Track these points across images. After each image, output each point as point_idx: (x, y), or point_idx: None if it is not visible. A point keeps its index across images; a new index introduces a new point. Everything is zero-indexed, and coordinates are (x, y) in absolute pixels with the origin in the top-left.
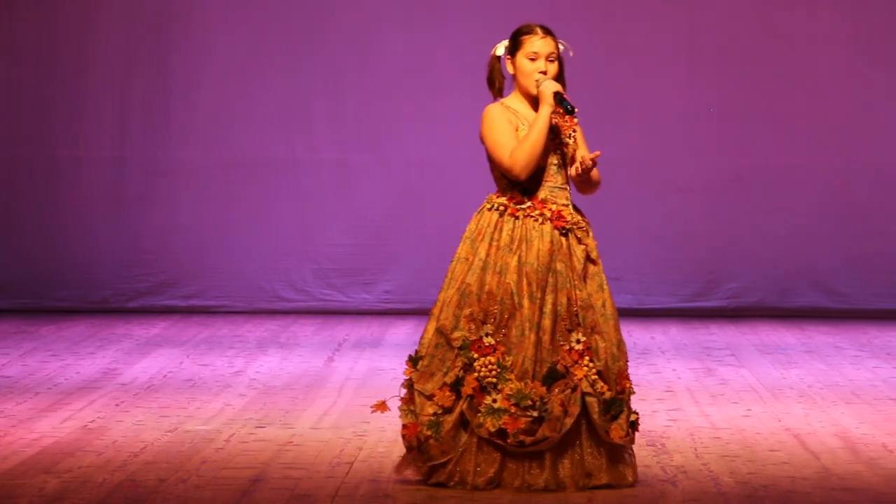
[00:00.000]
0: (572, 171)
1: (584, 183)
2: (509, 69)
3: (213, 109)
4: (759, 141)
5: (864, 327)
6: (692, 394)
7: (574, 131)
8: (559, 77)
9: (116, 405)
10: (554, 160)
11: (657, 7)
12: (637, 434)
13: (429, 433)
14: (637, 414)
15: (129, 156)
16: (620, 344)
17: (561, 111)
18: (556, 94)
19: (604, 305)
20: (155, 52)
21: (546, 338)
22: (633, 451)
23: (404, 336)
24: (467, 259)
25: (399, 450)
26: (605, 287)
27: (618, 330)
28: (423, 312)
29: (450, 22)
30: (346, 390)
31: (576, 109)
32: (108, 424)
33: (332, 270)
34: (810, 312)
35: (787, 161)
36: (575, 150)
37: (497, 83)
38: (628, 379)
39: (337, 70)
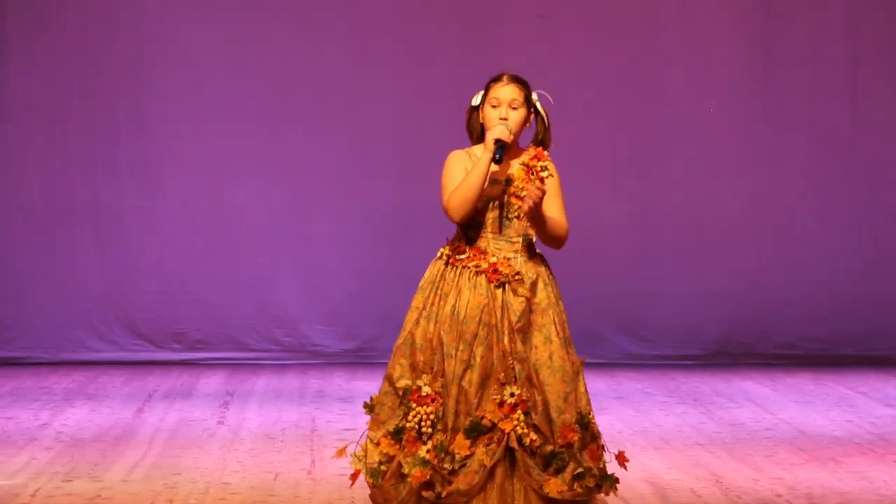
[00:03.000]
0: (521, 213)
1: (540, 229)
2: (481, 118)
3: (13, 153)
4: (571, 184)
5: (671, 373)
6: None
7: (539, 183)
8: (540, 128)
9: None
10: (504, 212)
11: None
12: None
13: (370, 481)
14: (587, 468)
15: None
16: (570, 396)
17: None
18: (496, 141)
19: (550, 358)
20: None
21: (472, 391)
22: (590, 500)
23: (216, 386)
24: (416, 308)
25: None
26: (553, 339)
27: (568, 382)
28: (235, 362)
29: (258, 64)
30: (156, 442)
31: (501, 160)
32: None
33: (140, 320)
34: (619, 358)
35: (592, 204)
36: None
37: (475, 133)
38: (575, 431)
39: (141, 113)
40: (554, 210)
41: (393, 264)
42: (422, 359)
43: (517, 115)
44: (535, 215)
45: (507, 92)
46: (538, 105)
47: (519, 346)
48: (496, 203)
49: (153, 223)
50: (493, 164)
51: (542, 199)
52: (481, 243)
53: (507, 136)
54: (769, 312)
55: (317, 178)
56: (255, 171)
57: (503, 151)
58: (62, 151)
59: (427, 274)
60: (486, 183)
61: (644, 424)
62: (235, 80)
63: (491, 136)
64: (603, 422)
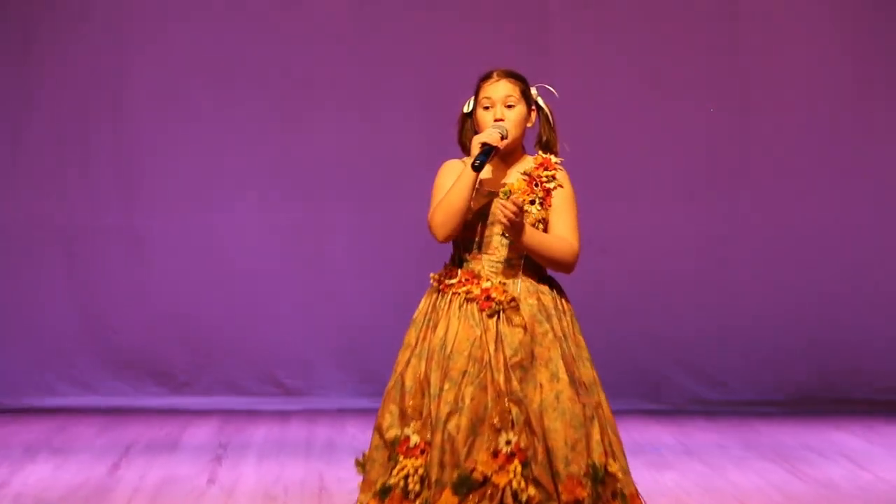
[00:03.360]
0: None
1: (528, 251)
2: (476, 125)
3: None
4: (620, 203)
5: (750, 423)
6: None
7: (540, 199)
8: (544, 127)
9: None
10: (497, 229)
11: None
12: None
13: None
14: None
15: None
16: (578, 444)
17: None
18: (483, 145)
19: (557, 399)
20: None
21: (460, 438)
22: None
23: (205, 437)
24: (409, 345)
25: None
26: (561, 376)
27: (577, 427)
28: (229, 409)
29: (257, 62)
30: None
31: (481, 166)
32: None
33: (118, 358)
34: (687, 405)
35: (654, 225)
36: (541, 220)
37: (468, 143)
38: (583, 486)
39: (119, 115)
40: (561, 227)
41: (419, 292)
42: (411, 403)
43: (514, 114)
44: (514, 235)
45: (499, 89)
46: (540, 101)
47: (515, 384)
48: (492, 219)
49: (134, 244)
50: (480, 172)
51: (517, 216)
52: (474, 266)
53: (496, 140)
54: (868, 351)
55: (327, 190)
56: (254, 182)
57: (487, 157)
58: (27, 162)
59: (421, 304)
60: (478, 195)
61: (717, 483)
62: (231, 78)
63: (477, 140)
64: (667, 480)
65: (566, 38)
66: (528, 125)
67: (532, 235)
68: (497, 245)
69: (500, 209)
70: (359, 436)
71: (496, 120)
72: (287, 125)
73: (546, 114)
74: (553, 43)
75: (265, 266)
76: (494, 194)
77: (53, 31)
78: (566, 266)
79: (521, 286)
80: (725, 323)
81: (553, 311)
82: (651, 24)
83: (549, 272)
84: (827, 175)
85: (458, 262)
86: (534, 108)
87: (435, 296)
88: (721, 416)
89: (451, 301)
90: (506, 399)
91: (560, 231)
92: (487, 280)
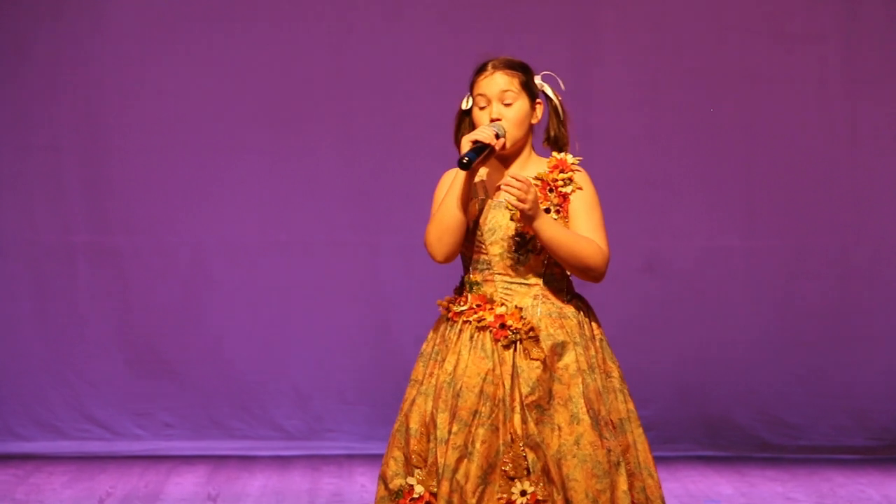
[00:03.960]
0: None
1: (547, 245)
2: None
3: None
4: (677, 218)
5: (825, 472)
6: None
7: (556, 206)
8: (553, 122)
9: None
10: (510, 244)
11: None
12: None
13: None
14: None
15: None
16: (602, 496)
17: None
18: (474, 143)
19: (577, 444)
20: None
21: (469, 488)
22: None
23: (191, 487)
24: (416, 381)
25: None
26: (582, 418)
27: (600, 476)
28: (219, 455)
29: (256, 59)
30: None
31: (469, 165)
32: None
33: (91, 396)
34: (751, 451)
35: (716, 244)
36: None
37: None
38: None
39: (92, 116)
40: (584, 230)
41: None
42: (416, 448)
43: (514, 112)
44: (526, 220)
45: (494, 83)
46: (547, 90)
47: (532, 426)
48: (503, 234)
49: (111, 266)
50: (473, 170)
51: (525, 192)
52: (486, 289)
53: (489, 138)
54: None
55: (333, 206)
56: (249, 195)
57: (478, 154)
58: None
59: (429, 335)
60: (482, 204)
61: None
62: (225, 78)
63: (467, 139)
64: None
65: (617, 37)
66: (534, 122)
67: (552, 225)
68: (511, 262)
69: (504, 188)
70: (369, 486)
71: (492, 120)
72: (287, 130)
73: (555, 106)
74: (603, 40)
75: (260, 291)
76: (504, 205)
77: (17, 28)
78: (595, 270)
79: (542, 310)
80: (793, 355)
81: (579, 339)
82: (711, 22)
83: (576, 288)
84: None
85: (468, 284)
86: (539, 100)
87: (444, 325)
88: (789, 464)
89: (461, 331)
90: (521, 443)
91: (583, 234)
92: (502, 305)
